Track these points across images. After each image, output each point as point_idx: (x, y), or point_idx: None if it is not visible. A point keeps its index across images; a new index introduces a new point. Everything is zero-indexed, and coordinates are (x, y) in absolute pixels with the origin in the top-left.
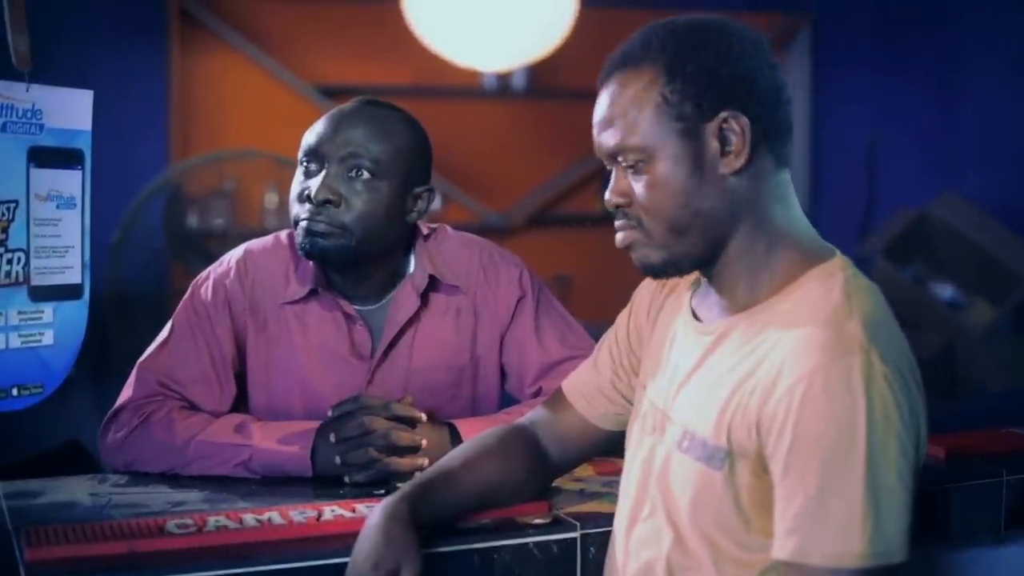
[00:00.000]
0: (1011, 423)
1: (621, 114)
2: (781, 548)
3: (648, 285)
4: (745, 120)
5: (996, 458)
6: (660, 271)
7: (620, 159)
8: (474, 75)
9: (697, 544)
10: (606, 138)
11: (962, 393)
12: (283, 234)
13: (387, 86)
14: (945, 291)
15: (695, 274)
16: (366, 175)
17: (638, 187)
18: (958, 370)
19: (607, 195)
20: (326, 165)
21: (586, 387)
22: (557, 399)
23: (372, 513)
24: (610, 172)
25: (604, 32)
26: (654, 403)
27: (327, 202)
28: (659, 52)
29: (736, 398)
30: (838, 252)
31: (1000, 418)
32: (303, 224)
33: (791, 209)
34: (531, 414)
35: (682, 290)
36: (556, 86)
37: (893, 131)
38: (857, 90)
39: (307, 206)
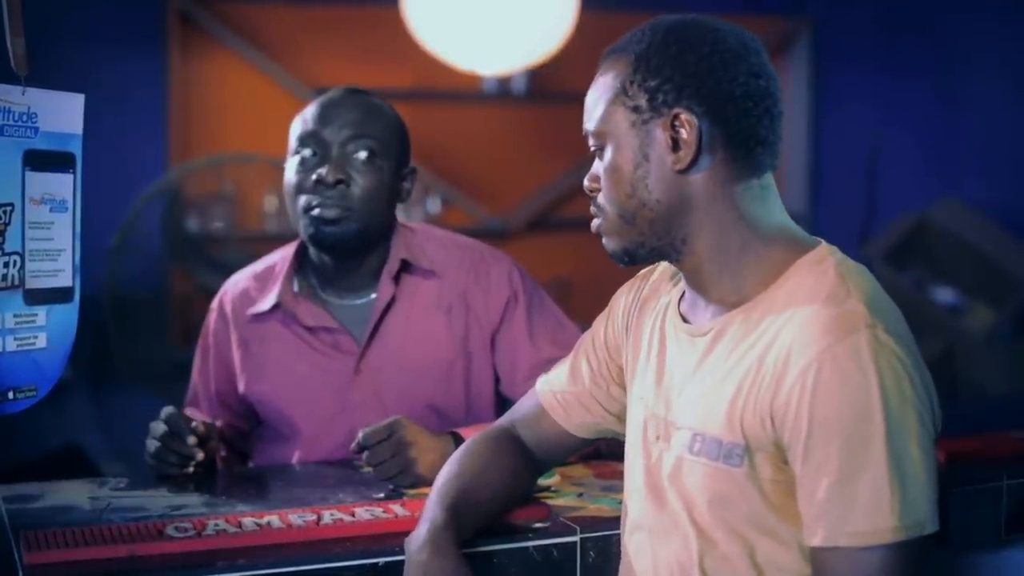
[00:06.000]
0: (1012, 427)
1: (593, 100)
2: (811, 535)
3: (625, 291)
4: (695, 120)
5: (996, 462)
6: (620, 258)
7: (590, 144)
8: (474, 78)
9: (729, 545)
10: (584, 122)
11: (962, 397)
12: (275, 254)
13: (387, 89)
14: (945, 295)
15: (676, 278)
16: (369, 155)
17: (600, 173)
18: (958, 374)
19: (585, 180)
20: (328, 150)
21: (563, 396)
22: (534, 403)
23: (414, 547)
24: None
25: (604, 35)
26: (655, 411)
27: (339, 182)
28: (636, 44)
29: (744, 391)
30: (823, 241)
31: (1000, 422)
32: (316, 212)
33: (771, 209)
34: (510, 415)
35: (662, 294)
36: (557, 89)
37: (893, 135)
38: (857, 94)
39: (316, 196)
